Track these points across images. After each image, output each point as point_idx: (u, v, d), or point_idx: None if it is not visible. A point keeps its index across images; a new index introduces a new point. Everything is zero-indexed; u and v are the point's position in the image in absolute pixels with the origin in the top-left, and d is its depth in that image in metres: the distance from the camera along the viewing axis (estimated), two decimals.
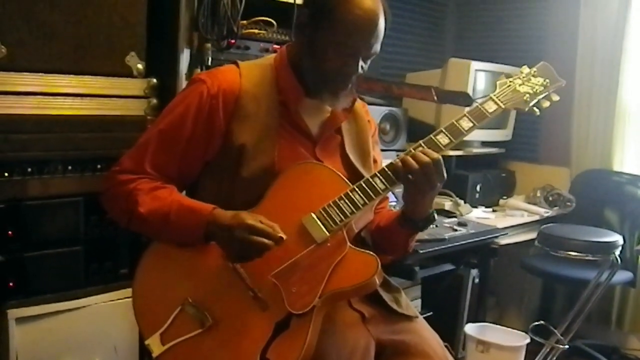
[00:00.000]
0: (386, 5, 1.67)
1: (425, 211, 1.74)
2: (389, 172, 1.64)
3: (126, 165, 1.69)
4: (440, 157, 1.63)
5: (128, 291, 1.78)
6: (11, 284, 2.08)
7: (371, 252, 1.60)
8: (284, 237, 1.55)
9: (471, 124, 1.71)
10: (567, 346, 3.23)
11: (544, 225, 3.45)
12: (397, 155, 1.69)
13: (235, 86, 1.69)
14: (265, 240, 1.53)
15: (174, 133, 1.68)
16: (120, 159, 1.72)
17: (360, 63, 1.68)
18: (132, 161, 1.69)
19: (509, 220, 3.68)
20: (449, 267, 3.34)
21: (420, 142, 1.67)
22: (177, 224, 1.61)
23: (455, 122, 1.70)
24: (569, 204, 3.87)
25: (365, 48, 1.66)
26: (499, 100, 1.76)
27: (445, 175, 1.64)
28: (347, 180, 1.66)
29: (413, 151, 1.63)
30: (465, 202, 3.61)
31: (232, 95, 1.68)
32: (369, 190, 1.62)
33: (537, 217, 3.80)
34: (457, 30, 4.65)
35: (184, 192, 1.77)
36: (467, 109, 1.77)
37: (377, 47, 1.68)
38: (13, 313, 2.08)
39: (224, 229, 1.56)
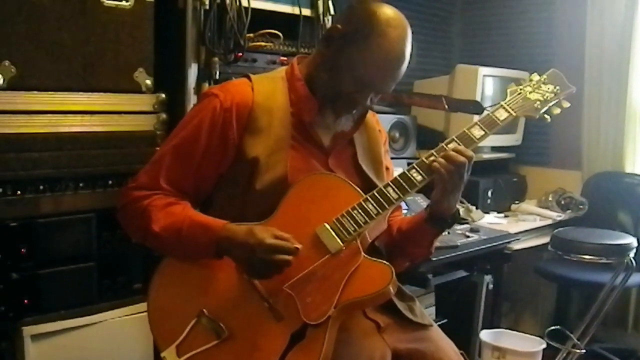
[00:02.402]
0: (414, 50, 1.68)
1: (453, 207, 1.75)
2: (401, 181, 1.65)
3: (141, 181, 1.70)
4: (473, 154, 1.67)
5: (142, 306, 1.78)
6: (26, 301, 2.08)
7: (385, 262, 1.60)
8: (300, 247, 1.55)
9: (483, 132, 1.71)
10: (583, 350, 3.21)
11: (557, 229, 3.44)
12: (408, 164, 1.70)
13: (248, 99, 1.69)
14: (286, 257, 1.53)
15: (189, 147, 1.69)
16: (136, 175, 1.73)
17: (371, 96, 1.70)
18: (148, 177, 1.70)
19: (521, 225, 3.67)
20: (462, 273, 3.32)
21: (432, 151, 1.67)
22: (188, 240, 1.61)
23: (466, 131, 1.71)
24: (581, 207, 3.85)
25: (381, 85, 1.68)
26: (510, 108, 1.76)
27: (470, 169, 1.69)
28: (360, 190, 1.66)
29: (439, 153, 1.67)
30: (476, 208, 3.59)
31: (245, 109, 1.68)
32: (382, 200, 1.62)
33: (549, 221, 3.79)
34: (464, 37, 4.65)
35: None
36: (477, 117, 1.77)
37: (392, 86, 1.70)
38: (28, 330, 2.08)
39: (241, 248, 1.56)
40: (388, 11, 1.64)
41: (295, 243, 1.55)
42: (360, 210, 1.61)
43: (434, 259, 2.73)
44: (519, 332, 3.42)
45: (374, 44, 1.62)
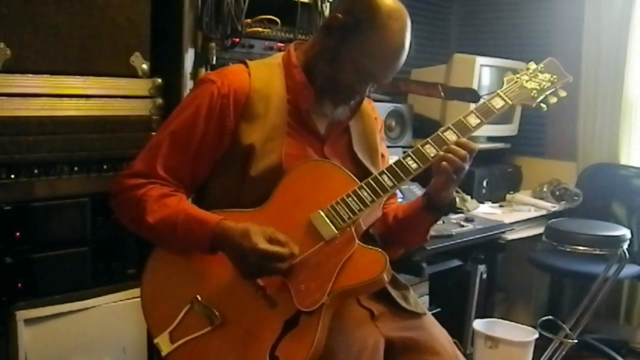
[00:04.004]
0: (412, 39, 1.67)
1: (450, 196, 1.75)
2: (397, 169, 1.64)
3: (137, 169, 1.68)
4: (477, 146, 1.66)
5: (136, 291, 1.78)
6: (19, 285, 2.08)
7: (380, 249, 1.59)
8: (297, 251, 1.55)
9: (479, 121, 1.70)
10: (575, 341, 3.23)
11: (551, 220, 3.45)
12: (404, 152, 1.69)
13: (245, 86, 1.68)
14: (279, 265, 1.53)
15: (186, 134, 1.67)
16: (132, 162, 1.71)
17: (370, 87, 1.70)
18: (144, 164, 1.68)
19: (516, 215, 3.68)
20: (456, 263, 3.34)
21: (428, 139, 1.67)
22: (183, 234, 1.60)
23: (462, 119, 1.70)
24: (576, 198, 3.86)
25: (381, 76, 1.69)
26: (507, 96, 1.76)
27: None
28: (355, 177, 1.65)
29: (437, 143, 1.66)
30: (472, 198, 3.60)
31: (242, 95, 1.67)
32: (377, 188, 1.62)
33: (544, 212, 3.80)
34: (462, 26, 4.64)
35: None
36: (474, 105, 1.76)
37: (391, 77, 1.71)
38: (21, 314, 2.08)
39: (235, 249, 1.55)
40: (389, 2, 1.63)
41: (292, 247, 1.54)
42: (354, 198, 1.60)
43: (428, 247, 2.74)
44: (512, 321, 3.42)
45: (376, 35, 1.61)
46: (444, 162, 1.63)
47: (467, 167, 1.66)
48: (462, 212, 3.36)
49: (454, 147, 1.64)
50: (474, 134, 1.72)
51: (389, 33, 1.61)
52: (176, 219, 1.60)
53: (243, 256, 1.53)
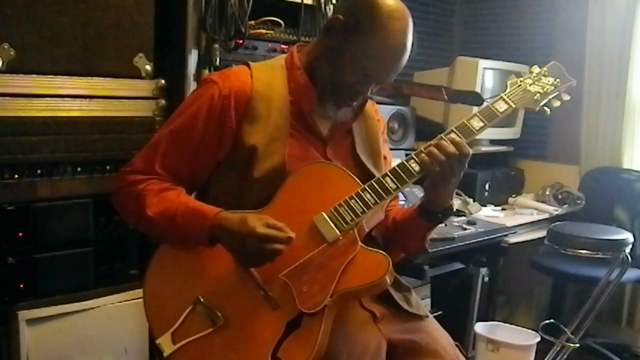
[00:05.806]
0: (414, 41, 1.67)
1: (445, 202, 1.75)
2: (400, 172, 1.64)
3: (137, 166, 1.70)
4: (466, 144, 1.65)
5: (138, 292, 1.78)
6: (21, 285, 2.08)
7: (382, 252, 1.60)
8: (293, 236, 1.54)
9: (482, 124, 1.70)
10: (577, 345, 3.22)
11: (554, 224, 3.44)
12: (406, 155, 1.69)
13: (246, 87, 1.68)
14: (277, 246, 1.52)
15: (185, 134, 1.68)
16: (132, 159, 1.72)
17: (372, 87, 1.70)
18: (143, 161, 1.70)
19: (518, 218, 3.68)
20: (458, 266, 3.33)
21: (431, 142, 1.66)
22: (182, 227, 1.61)
23: (466, 122, 1.70)
24: (578, 201, 3.86)
25: (383, 76, 1.69)
26: (510, 99, 1.76)
27: (466, 164, 1.66)
28: (358, 179, 1.65)
29: (436, 142, 1.64)
30: (474, 201, 3.60)
31: (243, 96, 1.67)
32: (380, 190, 1.62)
33: (546, 216, 3.80)
34: (465, 28, 4.64)
35: (194, 193, 1.77)
36: (477, 108, 1.76)
37: (393, 77, 1.71)
38: (23, 314, 2.08)
39: (233, 237, 1.55)
40: (390, 2, 1.63)
41: (288, 232, 1.54)
42: (358, 200, 1.60)
43: (430, 250, 2.73)
44: (514, 325, 3.42)
45: (376, 36, 1.61)
46: (429, 156, 1.62)
47: (456, 169, 1.64)
48: (464, 215, 3.36)
49: (442, 142, 1.63)
50: (477, 137, 1.73)
51: (389, 33, 1.61)
52: (175, 212, 1.62)
53: (241, 242, 1.54)
